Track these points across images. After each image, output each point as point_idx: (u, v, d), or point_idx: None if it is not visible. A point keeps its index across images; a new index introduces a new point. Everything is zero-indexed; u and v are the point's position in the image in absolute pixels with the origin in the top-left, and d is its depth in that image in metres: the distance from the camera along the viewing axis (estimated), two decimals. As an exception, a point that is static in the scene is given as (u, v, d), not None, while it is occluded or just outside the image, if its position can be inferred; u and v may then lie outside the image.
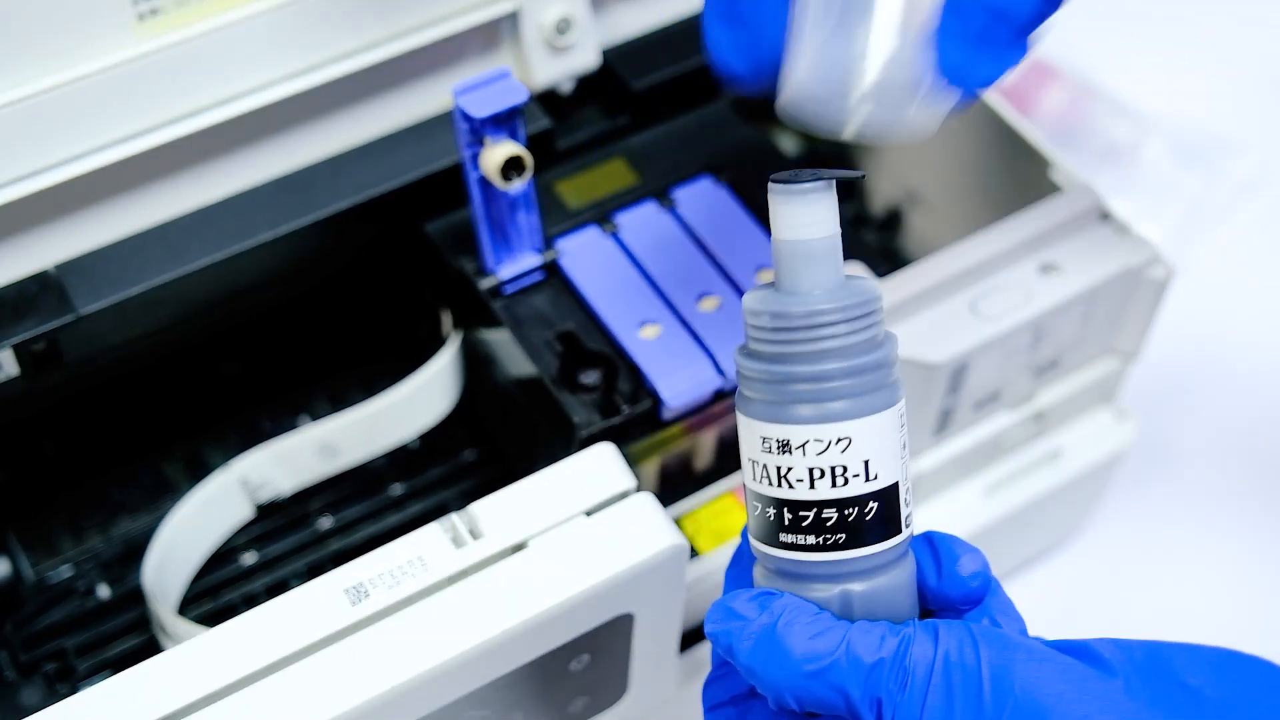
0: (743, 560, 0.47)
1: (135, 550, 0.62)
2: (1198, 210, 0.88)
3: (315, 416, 0.68)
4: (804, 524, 0.43)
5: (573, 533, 0.50)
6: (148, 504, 0.65)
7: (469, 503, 0.51)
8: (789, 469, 0.43)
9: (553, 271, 0.60)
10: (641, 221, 0.62)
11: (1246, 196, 0.89)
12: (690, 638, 0.60)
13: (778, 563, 0.44)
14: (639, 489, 0.52)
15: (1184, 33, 0.97)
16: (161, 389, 0.66)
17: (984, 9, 0.44)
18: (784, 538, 0.44)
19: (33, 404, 0.62)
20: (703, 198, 0.63)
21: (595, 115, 0.65)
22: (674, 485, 0.61)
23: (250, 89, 0.57)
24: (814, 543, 0.43)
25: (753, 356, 0.43)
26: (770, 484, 0.43)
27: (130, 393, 0.65)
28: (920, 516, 0.66)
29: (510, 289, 0.59)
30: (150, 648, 0.60)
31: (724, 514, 0.60)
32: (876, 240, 0.74)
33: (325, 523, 0.65)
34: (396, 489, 0.66)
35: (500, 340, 0.59)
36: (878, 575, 0.44)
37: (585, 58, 0.63)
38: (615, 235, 0.61)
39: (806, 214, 0.42)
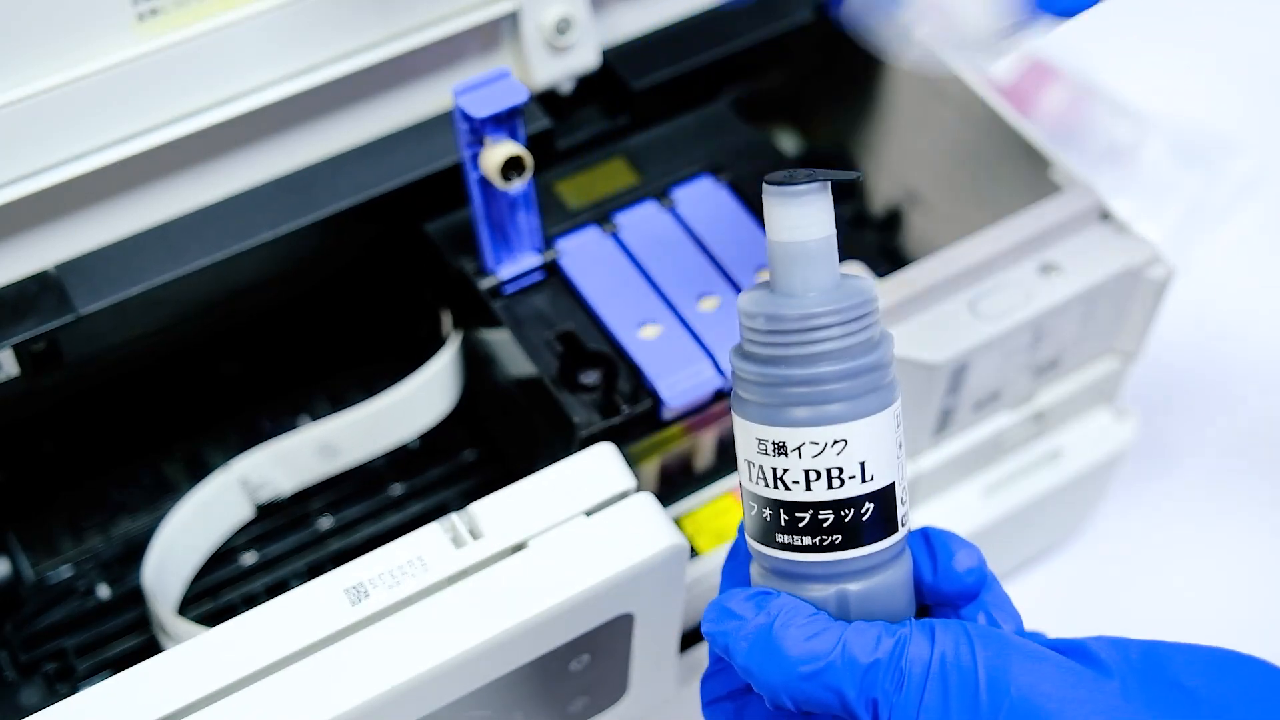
0: (739, 557, 0.47)
1: (135, 550, 0.62)
2: (1198, 210, 0.88)
3: (315, 416, 0.68)
4: (800, 525, 0.43)
5: (573, 533, 0.50)
6: (148, 504, 0.65)
7: (469, 503, 0.51)
8: (785, 470, 0.43)
9: (553, 271, 0.60)
10: (641, 221, 0.62)
11: (1246, 196, 0.89)
12: (690, 638, 0.60)
13: (774, 563, 0.44)
14: (639, 489, 0.52)
15: (1184, 33, 0.97)
16: (161, 389, 0.66)
17: None
18: (780, 538, 0.44)
19: (33, 404, 0.62)
20: (703, 198, 0.63)
21: (595, 115, 0.65)
22: (674, 485, 0.61)
23: (250, 89, 0.57)
24: (810, 543, 0.43)
25: (748, 358, 0.43)
26: (766, 485, 0.43)
27: (130, 393, 0.65)
28: (920, 516, 0.66)
29: (510, 289, 0.59)
30: (150, 648, 0.60)
31: (724, 514, 0.60)
32: (876, 240, 0.74)
33: (325, 523, 0.65)
34: (396, 489, 0.66)
35: (500, 340, 0.59)
36: (874, 575, 0.44)
37: (585, 58, 0.63)
38: (615, 235, 0.61)
39: (801, 215, 0.42)
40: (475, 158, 0.55)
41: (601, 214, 0.62)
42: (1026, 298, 0.60)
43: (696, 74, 0.65)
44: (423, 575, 0.49)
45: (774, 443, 0.43)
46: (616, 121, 0.65)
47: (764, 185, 0.42)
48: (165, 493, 0.65)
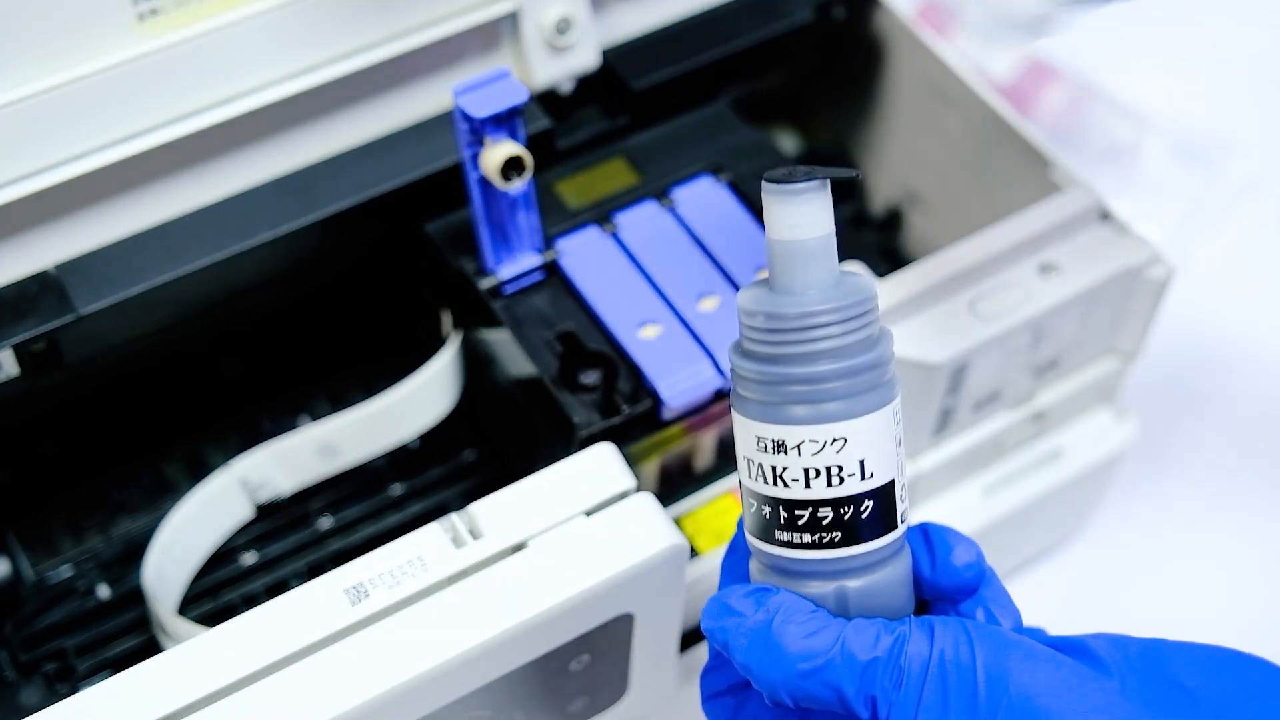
0: (738, 552, 0.47)
1: (135, 550, 0.62)
2: (1197, 210, 0.88)
3: (315, 416, 0.68)
4: (799, 522, 0.43)
5: (573, 533, 0.50)
6: (148, 504, 0.65)
7: (469, 503, 0.51)
8: (784, 469, 0.43)
9: (553, 271, 0.60)
10: (641, 221, 0.62)
11: (1246, 196, 0.89)
12: (690, 638, 0.60)
13: (773, 559, 0.44)
14: (639, 489, 0.52)
15: (1184, 33, 0.97)
16: (161, 389, 0.66)
17: None
18: (779, 535, 0.44)
19: (33, 404, 0.62)
20: (703, 198, 0.63)
21: (595, 115, 0.65)
22: (674, 485, 0.61)
23: (250, 89, 0.57)
24: (809, 541, 0.43)
25: (747, 356, 0.43)
26: (766, 483, 0.43)
27: (130, 393, 0.65)
28: (920, 517, 0.65)
29: (510, 289, 0.59)
30: (150, 648, 0.60)
31: (724, 514, 0.60)
32: (876, 240, 0.74)
33: (325, 523, 0.65)
34: (396, 489, 0.66)
35: (500, 340, 0.59)
36: (874, 571, 0.44)
37: (585, 58, 0.63)
38: (615, 235, 0.61)
39: (801, 213, 0.42)
40: (475, 158, 0.55)
41: (601, 214, 0.62)
42: (1026, 298, 0.60)
43: (696, 74, 0.65)
44: (423, 575, 0.49)
45: (773, 440, 0.43)
46: (616, 121, 0.65)
47: (763, 183, 0.42)
48: (165, 493, 0.65)
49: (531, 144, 0.56)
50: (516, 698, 0.52)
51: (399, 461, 0.66)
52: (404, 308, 0.67)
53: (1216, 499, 0.78)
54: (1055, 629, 0.47)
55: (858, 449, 0.42)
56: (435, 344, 0.64)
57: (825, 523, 0.43)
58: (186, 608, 0.62)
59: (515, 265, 0.59)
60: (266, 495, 0.64)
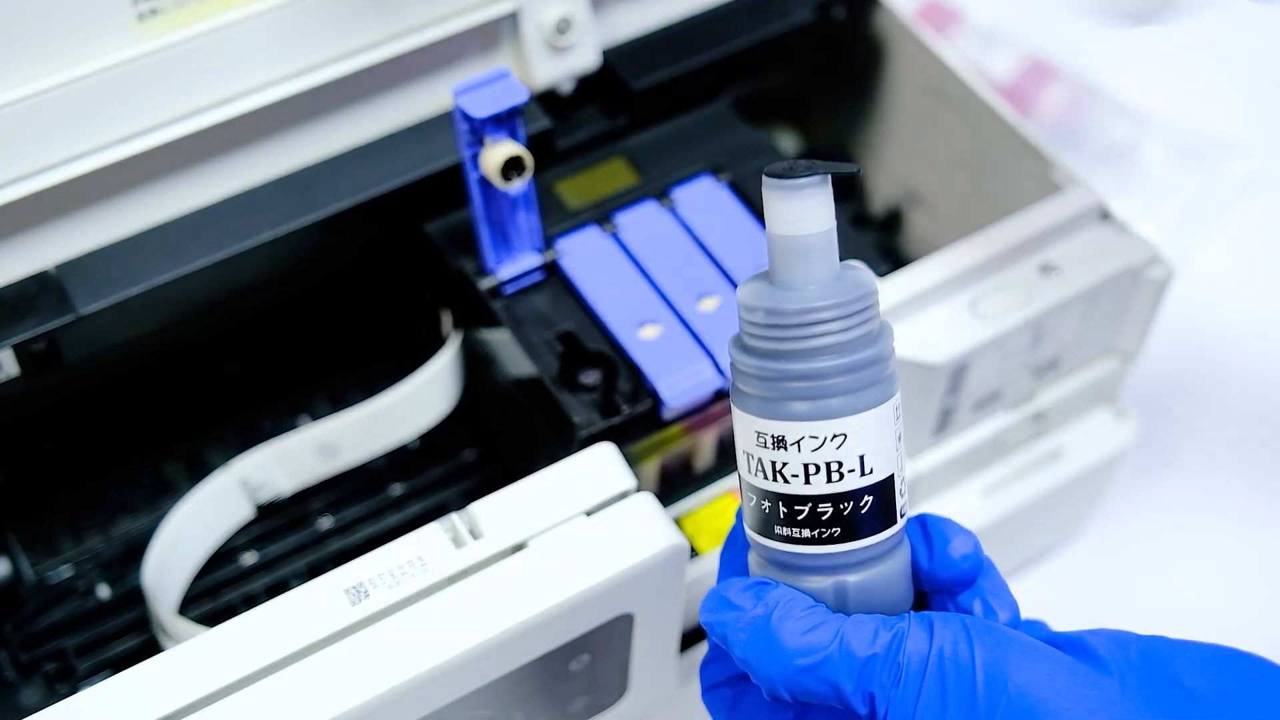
0: (737, 544, 0.47)
1: (135, 550, 0.62)
2: (1197, 210, 0.88)
3: (315, 416, 0.68)
4: (799, 518, 0.43)
5: (573, 533, 0.50)
6: (148, 504, 0.65)
7: (469, 503, 0.51)
8: (784, 464, 0.43)
9: (553, 271, 0.60)
10: (641, 221, 0.62)
11: (1246, 196, 0.89)
12: (690, 637, 0.60)
13: (772, 554, 0.44)
14: (639, 489, 0.52)
15: (1184, 33, 0.97)
16: (161, 389, 0.66)
17: None
18: (779, 530, 0.44)
19: (33, 404, 0.62)
20: (703, 197, 0.63)
21: (595, 115, 0.65)
22: (674, 485, 0.61)
23: (250, 89, 0.57)
24: (809, 536, 0.43)
25: (747, 351, 0.43)
26: (765, 478, 0.43)
27: (130, 393, 0.65)
28: (920, 516, 0.66)
29: (510, 289, 0.59)
30: (150, 648, 0.60)
31: (724, 514, 0.60)
32: (876, 240, 0.74)
33: (325, 523, 0.65)
34: (396, 489, 0.66)
35: (500, 340, 0.59)
36: (873, 566, 0.44)
37: (585, 58, 0.63)
38: (615, 235, 0.61)
39: (801, 208, 0.42)
40: (475, 158, 0.55)
41: (601, 214, 0.62)
42: (1027, 298, 0.60)
43: (696, 74, 0.65)
44: (423, 575, 0.49)
45: (773, 436, 0.43)
46: (616, 121, 0.65)
47: (764, 178, 0.42)
48: (165, 493, 0.65)
49: (531, 144, 0.56)
50: (517, 698, 0.52)
51: (399, 461, 0.66)
52: (404, 308, 0.67)
53: (1216, 499, 0.78)
54: (1055, 628, 0.47)
55: (858, 445, 0.42)
56: (435, 344, 0.64)
57: (824, 518, 0.43)
58: (186, 608, 0.62)
59: (515, 265, 0.59)
60: (266, 495, 0.64)
